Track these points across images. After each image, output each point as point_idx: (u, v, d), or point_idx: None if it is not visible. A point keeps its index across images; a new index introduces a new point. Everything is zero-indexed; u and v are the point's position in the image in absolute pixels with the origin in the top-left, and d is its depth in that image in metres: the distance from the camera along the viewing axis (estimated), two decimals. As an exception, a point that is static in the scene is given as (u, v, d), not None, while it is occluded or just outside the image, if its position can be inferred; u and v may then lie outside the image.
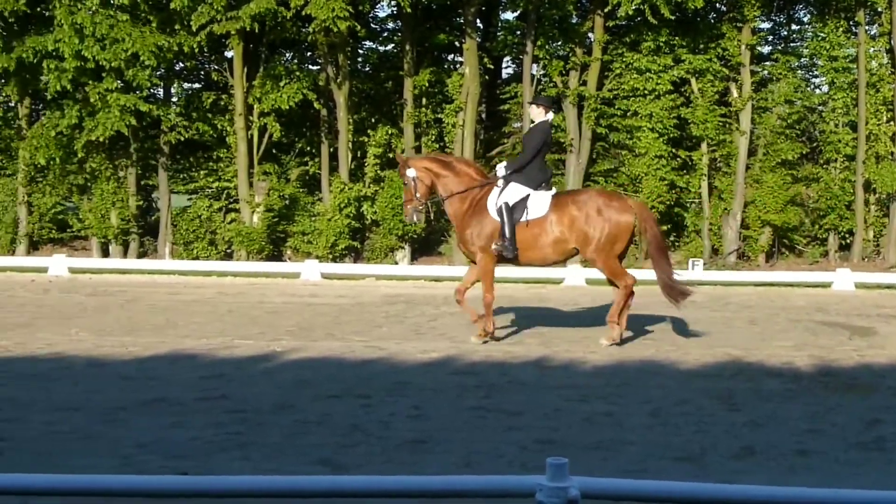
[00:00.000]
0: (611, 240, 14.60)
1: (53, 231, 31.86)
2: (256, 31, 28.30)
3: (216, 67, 31.77)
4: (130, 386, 11.21)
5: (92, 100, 28.73)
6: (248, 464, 8.09)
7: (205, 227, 30.47)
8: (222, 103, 30.98)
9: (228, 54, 31.04)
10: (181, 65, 31.76)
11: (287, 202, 30.67)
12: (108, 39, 28.17)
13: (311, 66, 31.94)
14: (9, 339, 14.50)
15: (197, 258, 29.43)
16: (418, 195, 15.18)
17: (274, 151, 31.79)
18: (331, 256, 29.44)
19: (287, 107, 29.45)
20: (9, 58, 28.91)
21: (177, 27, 28.86)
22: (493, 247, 14.71)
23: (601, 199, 14.89)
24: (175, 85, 32.09)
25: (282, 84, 29.69)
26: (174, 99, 32.06)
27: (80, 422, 9.42)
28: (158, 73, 30.44)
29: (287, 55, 32.27)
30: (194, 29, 28.27)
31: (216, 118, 30.87)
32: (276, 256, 30.31)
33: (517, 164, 15.00)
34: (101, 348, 13.77)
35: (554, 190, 15.19)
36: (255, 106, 30.21)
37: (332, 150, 30.99)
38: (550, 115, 15.41)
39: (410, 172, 15.23)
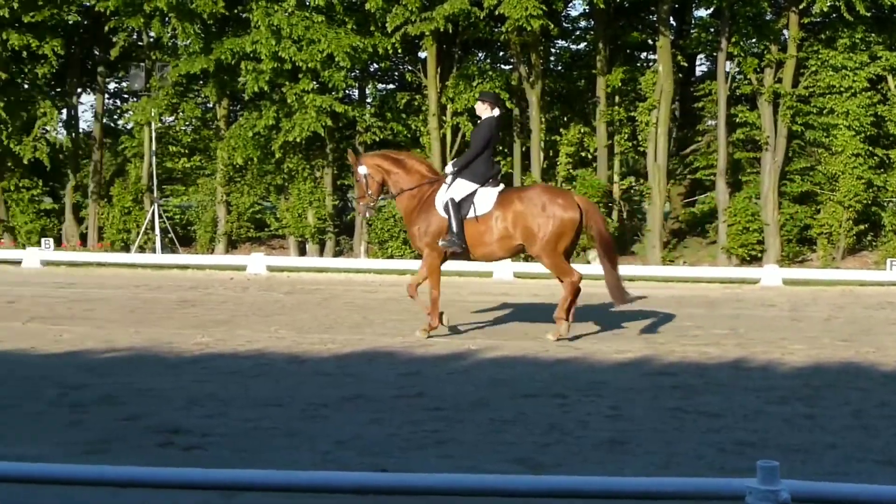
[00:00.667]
0: (556, 236, 14.63)
1: (251, 230, 32.53)
2: (450, 31, 28.44)
3: (410, 68, 32.03)
4: (329, 383, 11.35)
5: (289, 101, 29.25)
6: (447, 461, 8.10)
7: (399, 227, 30.77)
8: (416, 104, 31.24)
9: (422, 55, 31.27)
10: (375, 66, 32.11)
11: (480, 201, 30.75)
12: (304, 41, 28.64)
13: (503, 66, 31.97)
14: (210, 335, 14.84)
15: (391, 257, 29.72)
16: (370, 192, 15.41)
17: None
18: (523, 256, 29.43)
19: (480, 106, 29.54)
20: (207, 59, 29.61)
21: (371, 28, 29.18)
22: (441, 243, 14.82)
23: (546, 196, 14.93)
24: (370, 86, 32.45)
25: (475, 84, 29.77)
26: (369, 100, 32.44)
27: (281, 418, 9.56)
28: (353, 74, 30.84)
29: (480, 55, 32.35)
30: (389, 30, 28.56)
31: (410, 118, 31.15)
32: (466, 256, 30.40)
33: (464, 161, 15.11)
34: (300, 345, 13.99)
35: (502, 186, 15.24)
36: (448, 106, 30.38)
37: (524, 149, 30.97)
38: (497, 111, 15.43)
39: (362, 169, 15.45)
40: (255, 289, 22.11)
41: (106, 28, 31.39)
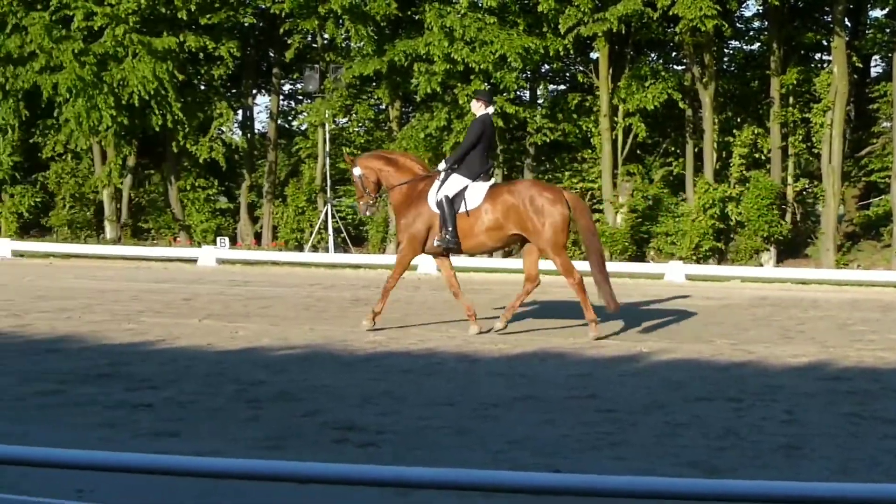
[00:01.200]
0: (553, 230, 14.93)
1: (422, 230, 32.72)
2: (622, 32, 28.30)
3: (581, 69, 31.97)
4: (501, 382, 11.35)
5: (460, 102, 29.40)
6: (620, 463, 8.03)
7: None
8: (587, 104, 31.13)
9: (594, 55, 31.18)
10: (547, 66, 32.11)
11: (650, 203, 30.54)
12: (476, 42, 28.78)
13: (676, 67, 31.70)
14: (383, 334, 14.98)
15: (562, 258, 29.66)
16: (367, 191, 15.87)
17: (638, 152, 31.75)
18: (694, 258, 29.10)
19: (652, 107, 29.31)
20: (380, 61, 29.95)
21: (544, 29, 29.17)
22: (436, 242, 15.25)
23: (535, 189, 15.27)
24: (541, 87, 32.47)
25: (647, 84, 29.56)
26: (540, 101, 32.44)
27: (452, 417, 9.58)
28: (525, 75, 30.87)
29: (652, 55, 32.11)
30: (561, 31, 28.53)
31: (581, 119, 31.05)
32: (640, 257, 30.21)
33: (455, 157, 15.53)
34: (472, 345, 14.03)
35: (493, 181, 15.71)
36: (619, 106, 30.21)
37: (696, 150, 30.67)
38: (490, 109, 15.87)
39: (356, 171, 15.97)
40: (427, 288, 22.24)
41: (281, 30, 32.01)
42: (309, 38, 33.51)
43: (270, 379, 11.34)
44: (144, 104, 32.02)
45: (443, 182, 15.29)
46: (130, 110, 32.29)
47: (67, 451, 6.37)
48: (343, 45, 32.61)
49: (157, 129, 32.83)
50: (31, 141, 36.17)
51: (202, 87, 34.57)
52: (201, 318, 16.67)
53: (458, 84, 29.55)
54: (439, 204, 15.14)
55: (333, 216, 31.50)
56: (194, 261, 29.34)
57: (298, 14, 31.01)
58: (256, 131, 36.63)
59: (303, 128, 34.96)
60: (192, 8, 31.25)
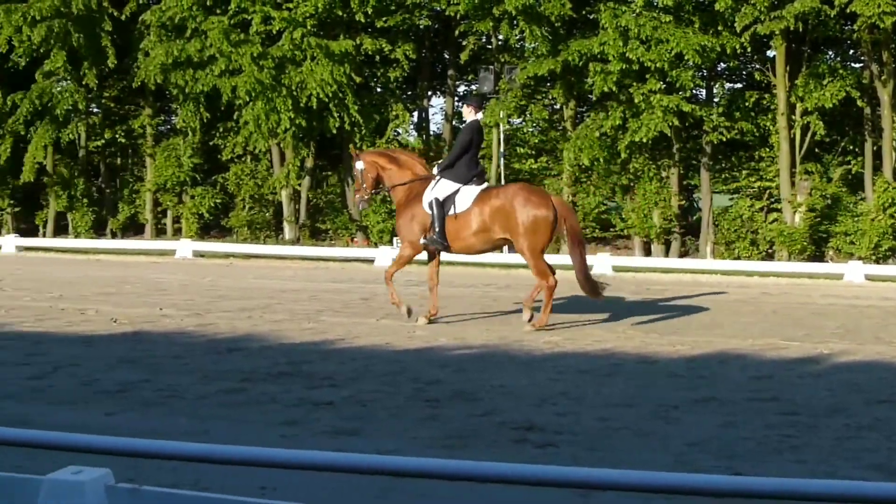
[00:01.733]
0: (533, 233, 15.31)
1: (596, 230, 32.61)
2: (800, 30, 27.79)
3: (758, 67, 31.44)
4: (680, 384, 11.23)
5: (636, 101, 29.20)
6: (802, 466, 7.88)
7: (746, 227, 30.26)
8: (764, 102, 30.63)
9: (770, 53, 30.66)
10: (723, 65, 31.69)
11: (829, 202, 29.92)
12: (652, 41, 28.54)
13: (854, 64, 30.98)
14: (559, 334, 14.95)
15: (738, 258, 29.26)
16: (364, 186, 16.57)
17: (816, 150, 31.12)
18: (874, 257, 28.41)
19: (830, 105, 28.71)
20: (555, 61, 29.91)
21: (719, 27, 28.81)
22: (422, 241, 15.97)
23: (522, 193, 15.65)
24: (717, 85, 32.06)
25: (824, 82, 28.94)
26: (716, 99, 32.03)
27: (632, 418, 9.52)
28: (701, 73, 30.52)
29: (829, 53, 31.44)
30: (738, 29, 28.13)
31: (759, 118, 30.58)
32: (818, 257, 29.62)
33: (446, 162, 16.22)
34: (649, 346, 13.91)
35: (485, 185, 16.18)
36: (797, 105, 29.66)
37: (875, 148, 29.93)
38: (480, 115, 16.68)
39: (359, 164, 16.64)
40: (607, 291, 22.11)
41: (456, 32, 32.18)
42: (483, 40, 33.62)
43: (448, 378, 11.40)
44: (322, 106, 32.49)
45: (433, 186, 15.96)
46: (308, 113, 32.80)
47: (249, 449, 6.49)
48: (517, 45, 32.65)
49: (335, 131, 33.30)
50: (211, 143, 37.02)
51: (378, 90, 34.97)
52: (379, 317, 16.85)
53: (634, 83, 29.35)
54: (430, 206, 15.81)
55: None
56: (371, 261, 29.66)
57: (473, 16, 31.16)
58: (432, 132, 36.89)
59: (478, 128, 35.08)
60: (369, 11, 31.62)
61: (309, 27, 31.91)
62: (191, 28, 33.12)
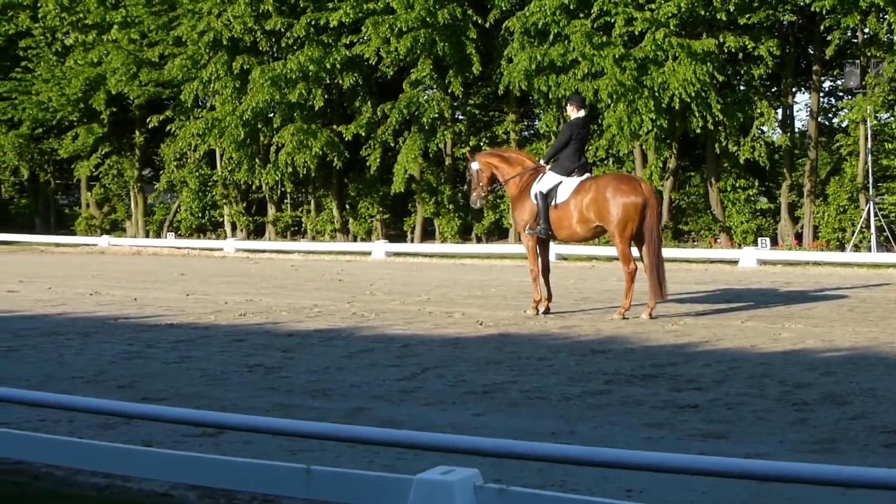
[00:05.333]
0: (622, 220, 16.42)
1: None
2: None
3: None
4: None
5: None
6: None
7: None
8: None
9: None
10: None
11: None
12: None
13: None
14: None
15: None
16: (481, 184, 18.08)
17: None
18: None
19: None
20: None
21: None
22: (528, 230, 17.35)
23: (614, 182, 16.91)
24: None
25: None
26: None
27: None
28: None
29: None
30: None
31: None
32: None
33: (548, 156, 17.69)
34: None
35: (586, 175, 17.18)
36: None
37: None
38: (582, 112, 17.51)
39: (474, 165, 18.25)
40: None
41: (821, 27, 31.32)
42: (849, 34, 32.56)
43: (816, 381, 11.15)
44: (685, 106, 32.26)
45: (540, 178, 17.27)
46: (670, 113, 32.64)
47: (616, 451, 6.56)
48: (886, 39, 31.48)
49: (699, 130, 33.00)
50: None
51: (741, 88, 34.42)
52: (744, 319, 16.62)
53: None
54: (536, 197, 17.14)
55: (876, 214, 30.46)
56: (735, 262, 29.28)
57: (839, 10, 30.27)
58: (796, 130, 36.02)
59: (843, 125, 33.99)
60: (731, 8, 31.20)
61: (672, 27, 31.73)
62: (553, 33, 33.49)
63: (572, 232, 17.13)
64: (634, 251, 16.98)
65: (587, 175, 17.26)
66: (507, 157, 18.19)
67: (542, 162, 17.77)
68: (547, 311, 17.48)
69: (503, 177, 17.90)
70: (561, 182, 17.02)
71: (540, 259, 17.66)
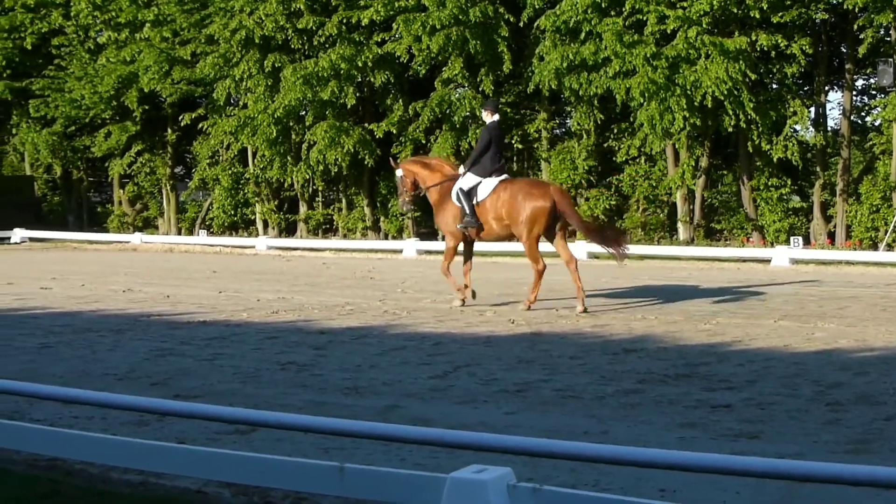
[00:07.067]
0: (529, 221, 17.35)
1: None
2: None
3: None
4: None
5: None
6: None
7: None
8: None
9: None
10: None
11: None
12: None
13: None
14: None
15: None
16: (405, 190, 19.11)
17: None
18: None
19: None
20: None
21: None
22: (459, 225, 18.05)
23: (526, 185, 18.16)
24: None
25: None
26: None
27: None
28: None
29: None
30: None
31: None
32: None
33: (470, 160, 18.39)
34: None
35: (504, 177, 18.15)
36: None
37: None
38: (496, 116, 18.50)
39: (398, 172, 19.34)
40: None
41: (854, 25, 31.15)
42: (882, 32, 32.35)
43: (850, 381, 11.10)
44: (717, 105, 32.13)
45: (460, 180, 18.13)
46: (703, 111, 32.50)
47: (649, 451, 6.55)
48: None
49: (731, 129, 32.85)
50: (605, 145, 37.28)
51: (774, 86, 34.24)
52: (776, 318, 16.56)
53: None
54: (457, 196, 18.01)
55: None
56: (767, 261, 29.18)
57: (872, 8, 30.09)
58: (829, 128, 35.82)
59: (876, 123, 33.79)
60: (764, 6, 31.03)
61: (704, 25, 31.61)
62: (585, 31, 33.41)
63: (489, 228, 17.95)
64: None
65: (505, 176, 18.26)
66: (429, 164, 19.35)
67: (461, 170, 18.61)
68: (463, 304, 18.52)
69: (424, 183, 18.96)
70: (480, 182, 17.98)
71: (465, 257, 18.82)
